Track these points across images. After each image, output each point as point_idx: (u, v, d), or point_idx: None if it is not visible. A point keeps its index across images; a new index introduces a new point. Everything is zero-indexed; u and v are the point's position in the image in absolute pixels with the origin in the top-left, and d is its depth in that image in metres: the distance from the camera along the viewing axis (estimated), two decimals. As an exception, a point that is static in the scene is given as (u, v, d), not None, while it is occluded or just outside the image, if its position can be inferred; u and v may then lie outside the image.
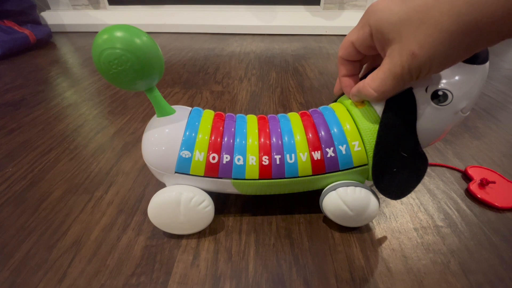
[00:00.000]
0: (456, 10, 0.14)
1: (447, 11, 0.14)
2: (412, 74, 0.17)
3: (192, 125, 0.23)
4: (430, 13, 0.15)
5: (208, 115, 0.25)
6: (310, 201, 0.29)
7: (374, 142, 0.22)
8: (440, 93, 0.20)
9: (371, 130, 0.23)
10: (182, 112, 0.24)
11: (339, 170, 0.24)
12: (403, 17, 0.16)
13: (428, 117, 0.21)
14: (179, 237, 0.26)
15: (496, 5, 0.13)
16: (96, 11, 1.17)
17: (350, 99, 0.24)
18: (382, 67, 0.18)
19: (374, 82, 0.19)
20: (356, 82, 0.24)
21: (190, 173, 0.23)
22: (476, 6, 0.13)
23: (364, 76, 0.25)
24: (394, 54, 0.17)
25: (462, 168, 0.34)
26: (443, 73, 0.20)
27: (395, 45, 0.17)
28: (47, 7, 1.17)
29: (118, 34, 0.17)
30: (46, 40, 0.91)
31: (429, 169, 0.34)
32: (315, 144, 0.23)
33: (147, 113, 0.47)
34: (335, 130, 0.23)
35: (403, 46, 0.16)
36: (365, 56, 0.23)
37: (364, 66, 0.25)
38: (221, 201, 0.30)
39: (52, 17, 1.10)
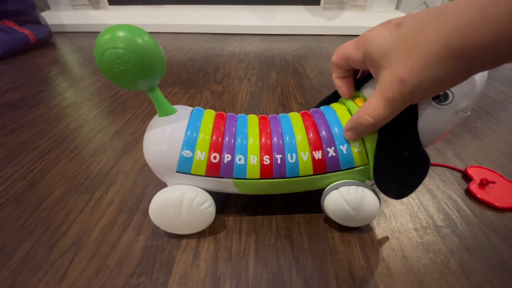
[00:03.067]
0: (445, 35, 0.14)
1: (436, 37, 0.14)
2: (404, 99, 0.18)
3: (193, 125, 0.23)
4: (418, 39, 0.15)
5: (209, 115, 0.25)
6: (310, 201, 0.29)
7: (375, 142, 0.22)
8: (441, 92, 0.20)
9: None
10: (183, 111, 0.24)
11: (340, 170, 0.24)
12: (393, 44, 0.16)
13: (429, 117, 0.21)
14: (179, 237, 0.26)
15: (485, 31, 0.13)
16: (96, 11, 1.17)
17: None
18: (375, 92, 0.19)
19: (368, 108, 0.20)
20: (350, 84, 0.24)
21: (192, 173, 0.23)
22: (465, 32, 0.13)
23: (362, 79, 0.25)
24: (385, 80, 0.17)
25: (462, 168, 0.34)
26: None
27: (385, 71, 0.17)
28: (47, 7, 1.17)
29: (120, 34, 0.17)
30: (46, 40, 0.91)
31: (429, 170, 0.34)
32: (316, 143, 0.23)
33: (147, 113, 0.47)
34: (336, 130, 0.23)
35: (392, 72, 0.17)
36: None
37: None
38: (221, 201, 0.30)
39: (52, 17, 1.10)
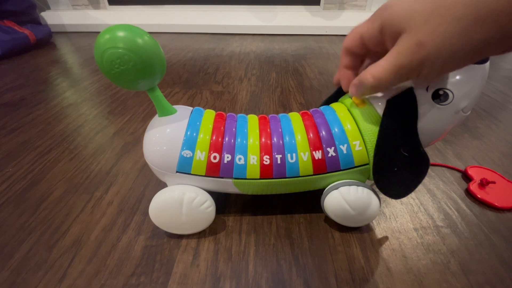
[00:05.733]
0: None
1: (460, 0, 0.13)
2: (414, 66, 0.16)
3: (193, 125, 0.23)
4: (442, 2, 0.14)
5: (209, 115, 0.25)
6: (310, 201, 0.29)
7: (375, 142, 0.22)
8: (441, 92, 0.20)
9: (372, 129, 0.23)
10: (183, 112, 0.24)
11: (340, 170, 0.24)
12: (415, 7, 0.15)
13: (429, 117, 0.21)
14: (179, 237, 0.26)
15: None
16: (96, 11, 1.17)
17: (348, 93, 0.24)
18: (387, 55, 0.18)
19: (374, 67, 0.18)
20: (354, 77, 0.23)
21: (192, 173, 0.23)
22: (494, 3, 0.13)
23: None
24: (401, 43, 0.16)
25: (462, 168, 0.34)
26: None
27: (404, 35, 0.16)
28: (47, 7, 1.17)
29: (121, 33, 0.17)
30: (46, 40, 0.91)
31: (429, 169, 0.34)
32: (316, 143, 0.23)
33: (147, 113, 0.47)
34: (336, 129, 0.23)
35: (411, 35, 0.15)
36: (369, 52, 0.22)
37: (365, 63, 0.24)
38: (221, 201, 0.30)
39: (52, 17, 1.10)
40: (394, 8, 0.16)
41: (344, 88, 0.24)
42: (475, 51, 0.15)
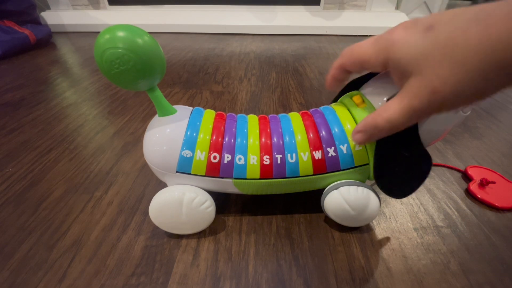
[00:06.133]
0: (488, 46, 0.12)
1: (477, 47, 0.13)
2: (431, 110, 0.16)
3: (193, 125, 0.23)
4: (455, 49, 0.13)
5: (209, 115, 0.25)
6: (310, 201, 0.29)
7: (375, 142, 0.22)
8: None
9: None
10: (183, 112, 0.24)
11: (340, 170, 0.24)
12: (425, 51, 0.14)
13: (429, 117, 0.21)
14: (179, 237, 0.26)
15: None
16: (96, 11, 1.17)
17: (352, 136, 0.22)
18: (398, 98, 0.17)
19: (386, 112, 0.18)
20: (341, 86, 0.23)
21: (192, 173, 0.23)
22: (503, 40, 0.12)
23: (362, 78, 0.25)
24: (413, 87, 0.16)
25: (462, 168, 0.34)
26: None
27: (414, 78, 0.15)
28: (47, 7, 1.17)
29: (120, 34, 0.17)
30: (46, 40, 0.91)
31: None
32: (316, 143, 0.23)
33: (147, 113, 0.47)
34: (336, 129, 0.23)
35: (423, 81, 0.15)
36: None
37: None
38: (221, 201, 0.30)
39: (52, 17, 1.10)
40: (401, 47, 0.15)
41: (331, 88, 0.24)
42: (487, 95, 0.15)
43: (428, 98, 0.15)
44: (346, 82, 0.24)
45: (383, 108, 0.18)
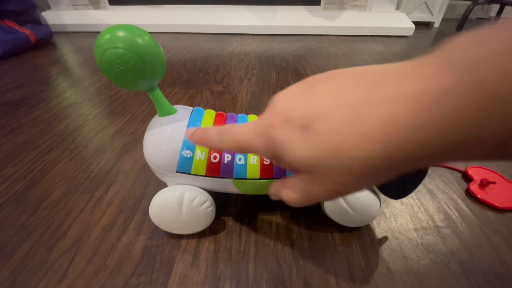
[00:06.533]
0: (367, 154, 0.12)
1: (359, 156, 0.13)
2: (330, 199, 0.16)
3: (193, 125, 0.23)
4: (341, 158, 0.13)
5: (209, 115, 0.25)
6: (310, 201, 0.29)
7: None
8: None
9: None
10: (183, 111, 0.24)
11: (340, 170, 0.24)
12: (310, 159, 0.14)
13: None
14: (179, 237, 0.26)
15: (405, 144, 0.11)
16: (97, 11, 1.17)
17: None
18: (297, 185, 0.16)
19: (288, 194, 0.17)
20: None
21: (192, 173, 0.23)
22: (388, 148, 0.12)
23: None
24: (312, 184, 0.15)
25: (462, 168, 0.34)
26: None
27: (310, 179, 0.15)
28: (47, 7, 1.17)
29: (121, 34, 0.17)
30: (47, 40, 0.91)
31: (429, 170, 0.34)
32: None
33: (147, 113, 0.47)
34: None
35: (320, 184, 0.15)
36: None
37: None
38: (222, 201, 0.30)
39: (53, 17, 1.10)
40: (285, 150, 0.15)
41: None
42: (390, 176, 0.14)
43: (323, 195, 0.15)
44: None
45: (286, 186, 0.17)
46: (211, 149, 0.21)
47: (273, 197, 0.19)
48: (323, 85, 0.15)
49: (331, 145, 0.13)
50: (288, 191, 0.17)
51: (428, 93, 0.11)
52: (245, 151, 0.17)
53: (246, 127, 0.17)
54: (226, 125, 0.19)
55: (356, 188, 0.15)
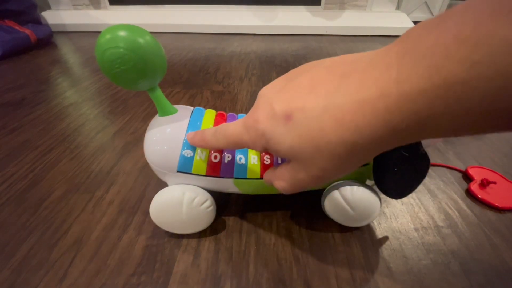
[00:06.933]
0: (344, 140, 0.13)
1: (337, 141, 0.14)
2: (316, 185, 0.17)
3: (194, 125, 0.23)
4: (319, 144, 0.14)
5: (210, 115, 0.25)
6: (310, 201, 0.29)
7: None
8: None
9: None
10: (184, 111, 0.24)
11: (340, 170, 0.24)
12: (294, 146, 0.15)
13: None
14: (180, 236, 0.26)
15: (378, 128, 0.13)
16: (97, 11, 1.17)
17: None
18: (288, 171, 0.18)
19: (280, 181, 0.18)
20: None
21: (192, 172, 0.23)
22: (363, 132, 0.13)
23: None
24: (297, 171, 0.17)
25: (462, 168, 0.34)
26: None
27: (296, 165, 0.16)
28: (48, 7, 1.17)
29: (121, 33, 0.17)
30: (47, 40, 0.91)
31: (429, 169, 0.34)
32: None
33: (148, 113, 0.48)
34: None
35: (305, 169, 0.16)
36: None
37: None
38: (222, 201, 0.30)
39: (53, 17, 1.10)
40: (272, 141, 0.16)
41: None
42: (366, 160, 0.16)
43: (310, 181, 0.17)
44: None
45: (279, 175, 0.19)
46: (210, 148, 0.23)
47: (267, 184, 0.21)
48: (300, 77, 0.16)
49: (309, 132, 0.14)
50: (278, 181, 0.18)
51: (390, 80, 0.12)
52: (239, 146, 0.19)
53: (236, 124, 0.18)
54: (220, 124, 0.20)
55: (339, 171, 0.15)
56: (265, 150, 0.17)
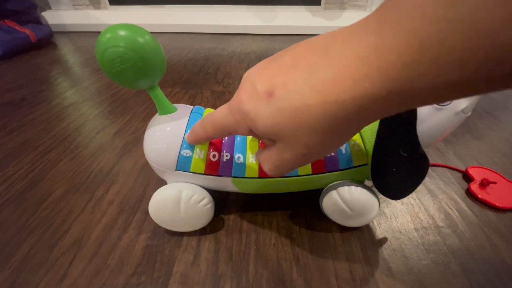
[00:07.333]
0: (325, 112, 0.13)
1: (318, 114, 0.13)
2: (302, 164, 0.17)
3: (193, 123, 0.23)
4: (303, 117, 0.14)
5: (209, 114, 0.25)
6: (310, 200, 0.29)
7: (373, 142, 0.22)
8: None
9: (371, 129, 0.23)
10: (183, 110, 0.24)
11: (339, 170, 0.24)
12: (277, 123, 0.15)
13: (429, 117, 0.21)
14: (180, 236, 0.26)
15: (355, 98, 0.12)
16: (97, 11, 1.17)
17: None
18: (276, 148, 0.17)
19: (266, 162, 0.18)
20: None
21: (191, 171, 0.23)
22: (346, 105, 0.13)
23: None
24: (281, 151, 0.16)
25: (462, 168, 0.34)
26: None
27: (281, 145, 0.16)
28: (48, 7, 1.18)
29: (122, 32, 0.17)
30: (47, 40, 0.91)
31: (429, 170, 0.34)
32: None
33: (148, 113, 0.48)
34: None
35: (290, 148, 0.16)
36: None
37: None
38: (222, 201, 0.30)
39: (53, 17, 1.10)
40: (255, 121, 0.16)
41: None
42: (351, 135, 0.15)
43: (293, 160, 0.16)
44: None
45: (265, 156, 0.18)
46: (200, 140, 0.22)
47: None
48: (283, 55, 0.16)
49: (292, 107, 0.14)
50: (264, 163, 0.18)
51: (369, 47, 0.12)
52: (225, 131, 0.19)
53: (221, 108, 0.18)
54: (207, 114, 0.20)
55: (324, 147, 0.15)
56: (250, 132, 0.17)
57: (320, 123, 0.14)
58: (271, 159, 0.17)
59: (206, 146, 0.23)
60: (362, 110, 0.13)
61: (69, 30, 1.09)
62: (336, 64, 0.13)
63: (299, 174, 0.24)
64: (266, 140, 0.18)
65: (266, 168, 0.18)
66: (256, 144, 0.24)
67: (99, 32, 0.18)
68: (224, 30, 1.06)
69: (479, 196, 0.30)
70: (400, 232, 0.27)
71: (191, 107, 0.26)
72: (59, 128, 0.43)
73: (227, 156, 0.23)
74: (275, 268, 0.23)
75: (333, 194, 0.24)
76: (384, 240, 0.26)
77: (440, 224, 0.27)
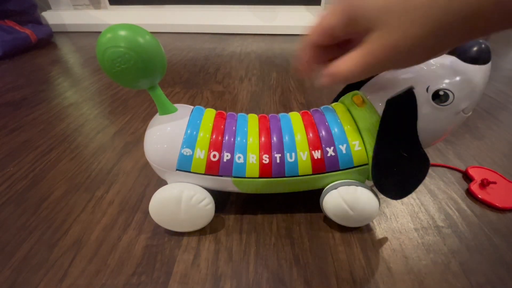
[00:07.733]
0: (436, 4, 0.13)
1: (429, 4, 0.13)
2: (384, 66, 0.17)
3: (193, 123, 0.23)
4: (416, 2, 0.14)
5: (209, 114, 0.25)
6: (310, 200, 0.29)
7: (374, 142, 0.22)
8: (441, 93, 0.20)
9: (371, 129, 0.23)
10: (184, 110, 0.24)
11: (339, 170, 0.24)
12: (384, 5, 0.15)
13: (429, 117, 0.21)
14: (180, 236, 0.26)
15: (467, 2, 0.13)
16: (97, 11, 1.17)
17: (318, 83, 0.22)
18: (360, 50, 0.17)
19: (347, 61, 0.18)
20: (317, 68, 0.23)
21: (191, 171, 0.23)
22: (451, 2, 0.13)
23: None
24: (374, 42, 0.16)
25: (463, 168, 0.34)
26: (444, 73, 0.20)
27: (374, 34, 0.16)
28: (48, 7, 1.17)
29: (122, 33, 0.17)
30: (47, 40, 0.91)
31: (429, 170, 0.34)
32: (315, 143, 0.23)
33: (148, 113, 0.48)
34: (336, 129, 0.23)
35: (384, 36, 0.15)
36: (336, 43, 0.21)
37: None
38: (222, 201, 0.30)
39: (53, 17, 1.10)
40: (360, 4, 0.16)
41: (306, 75, 0.23)
42: (453, 44, 0.15)
43: (385, 54, 0.16)
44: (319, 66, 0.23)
45: (346, 57, 0.18)
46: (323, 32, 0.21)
47: (329, 78, 0.20)
48: None
49: None
50: (340, 66, 0.18)
51: None
52: (329, 29, 0.19)
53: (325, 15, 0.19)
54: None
55: (414, 47, 0.15)
56: (347, 23, 0.17)
57: (426, 14, 0.13)
58: (354, 59, 0.17)
59: (206, 146, 0.23)
60: (468, 21, 0.13)
61: (69, 30, 1.09)
62: None
63: (300, 174, 0.24)
64: (356, 33, 0.17)
65: (347, 67, 0.18)
66: (256, 144, 0.24)
67: (99, 32, 0.18)
68: (224, 30, 1.06)
69: (479, 196, 0.30)
70: (400, 232, 0.27)
71: (192, 107, 0.26)
72: (59, 128, 0.43)
73: (227, 156, 0.23)
74: (275, 268, 0.23)
75: (334, 194, 0.24)
76: (384, 240, 0.26)
77: (440, 224, 0.27)
